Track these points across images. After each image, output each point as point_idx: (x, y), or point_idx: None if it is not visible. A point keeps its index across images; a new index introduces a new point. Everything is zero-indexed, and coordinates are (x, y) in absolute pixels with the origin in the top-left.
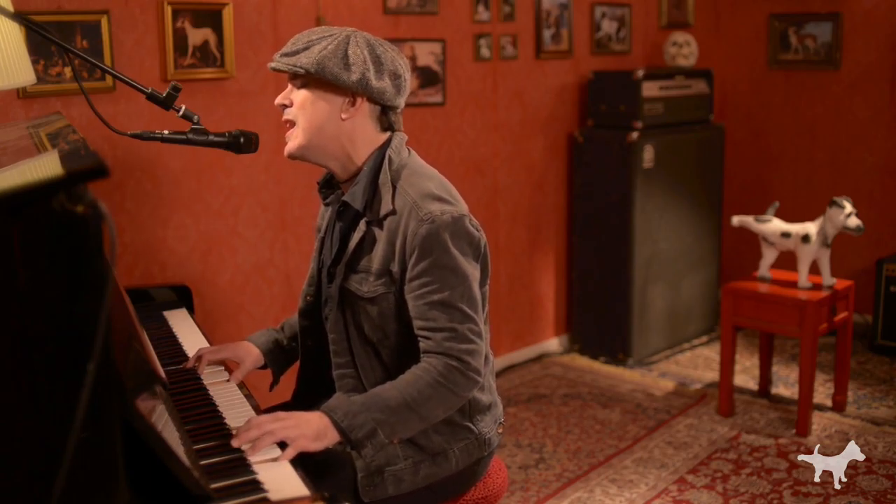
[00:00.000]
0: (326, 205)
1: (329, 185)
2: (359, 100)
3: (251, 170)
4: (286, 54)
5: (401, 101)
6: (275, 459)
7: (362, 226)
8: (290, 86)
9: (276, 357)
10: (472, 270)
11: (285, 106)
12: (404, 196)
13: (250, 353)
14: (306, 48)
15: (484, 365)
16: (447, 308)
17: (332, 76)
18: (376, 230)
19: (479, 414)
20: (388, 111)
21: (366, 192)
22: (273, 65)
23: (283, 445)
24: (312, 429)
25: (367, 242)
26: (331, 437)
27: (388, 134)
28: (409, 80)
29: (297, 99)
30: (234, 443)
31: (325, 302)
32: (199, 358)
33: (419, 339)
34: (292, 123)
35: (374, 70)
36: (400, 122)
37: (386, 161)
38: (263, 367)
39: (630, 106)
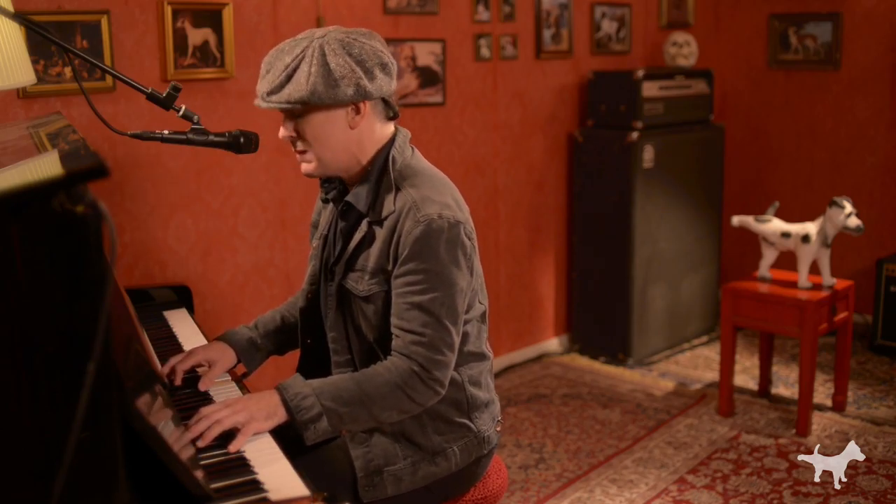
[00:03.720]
0: (325, 201)
1: (331, 178)
2: (362, 105)
3: (251, 170)
4: (271, 92)
5: (395, 84)
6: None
7: (364, 226)
8: (285, 118)
9: (251, 357)
10: (460, 280)
11: (293, 138)
12: (405, 196)
13: (224, 354)
14: (288, 79)
15: (480, 361)
16: (425, 312)
17: (330, 98)
18: (377, 229)
19: (477, 411)
20: (388, 99)
21: (370, 193)
22: (265, 106)
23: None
24: (262, 409)
25: (367, 242)
26: (280, 416)
27: (392, 125)
28: (392, 60)
29: (303, 129)
30: (187, 436)
31: (324, 300)
32: (172, 370)
33: (392, 335)
34: (305, 151)
35: (363, 72)
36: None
37: (390, 162)
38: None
39: (630, 106)
